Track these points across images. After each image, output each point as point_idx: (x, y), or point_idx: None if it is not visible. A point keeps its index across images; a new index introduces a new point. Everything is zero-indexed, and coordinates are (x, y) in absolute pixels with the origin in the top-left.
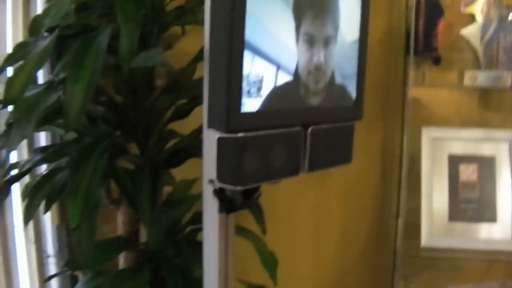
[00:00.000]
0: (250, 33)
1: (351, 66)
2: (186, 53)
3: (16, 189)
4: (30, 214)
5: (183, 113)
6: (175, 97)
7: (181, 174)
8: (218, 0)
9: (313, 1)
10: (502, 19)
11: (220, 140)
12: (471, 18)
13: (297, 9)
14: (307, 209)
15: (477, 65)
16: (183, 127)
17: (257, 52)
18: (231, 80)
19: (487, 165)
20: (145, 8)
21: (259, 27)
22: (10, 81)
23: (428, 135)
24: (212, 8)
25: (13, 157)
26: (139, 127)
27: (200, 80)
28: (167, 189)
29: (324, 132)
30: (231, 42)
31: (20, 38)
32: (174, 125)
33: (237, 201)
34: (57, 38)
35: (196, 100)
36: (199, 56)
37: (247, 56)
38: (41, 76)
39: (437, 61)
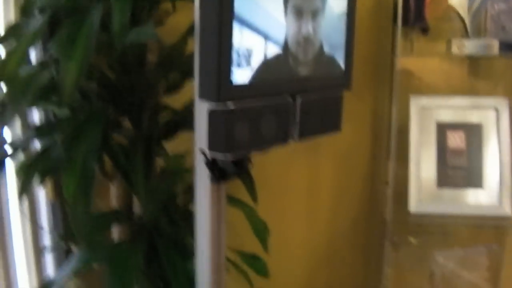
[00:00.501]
0: (239, 6)
1: (340, 37)
2: (177, 29)
3: (11, 166)
4: (24, 190)
5: (175, 87)
6: (167, 72)
7: (174, 148)
8: None
9: None
10: None
11: (211, 111)
12: None
13: None
14: (299, 178)
15: (465, 34)
16: (175, 101)
17: (246, 24)
18: (221, 52)
19: (474, 133)
20: None
21: (248, 0)
22: (4, 61)
23: (416, 103)
24: None
25: (8, 135)
26: (132, 102)
27: (191, 55)
28: (160, 162)
29: (313, 101)
30: (221, 15)
31: (12, 19)
32: (167, 100)
33: (228, 171)
34: (49, 18)
35: (187, 75)
36: (190, 31)
37: (237, 28)
38: (34, 57)
39: (425, 31)
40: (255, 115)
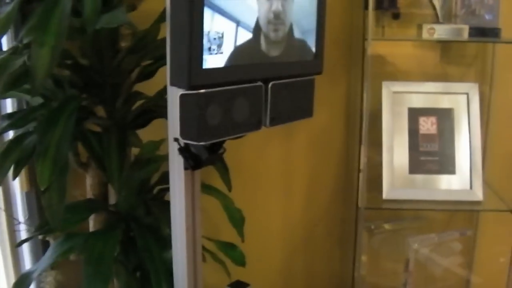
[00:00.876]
0: None
1: (311, 21)
2: (150, 14)
3: None
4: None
5: (148, 74)
6: (140, 57)
7: (148, 135)
8: None
9: None
10: None
11: (182, 97)
12: None
13: None
14: (274, 165)
15: (436, 20)
16: (149, 88)
17: (217, 9)
18: (192, 37)
19: (446, 118)
20: None
21: None
22: None
23: (388, 89)
24: None
25: None
26: (105, 89)
27: (164, 40)
28: (134, 151)
29: (285, 86)
30: (192, 0)
31: None
32: (140, 87)
33: (201, 157)
34: (20, 3)
35: (161, 61)
36: (162, 17)
37: (207, 13)
38: (5, 43)
39: (396, 16)
40: (227, 100)
